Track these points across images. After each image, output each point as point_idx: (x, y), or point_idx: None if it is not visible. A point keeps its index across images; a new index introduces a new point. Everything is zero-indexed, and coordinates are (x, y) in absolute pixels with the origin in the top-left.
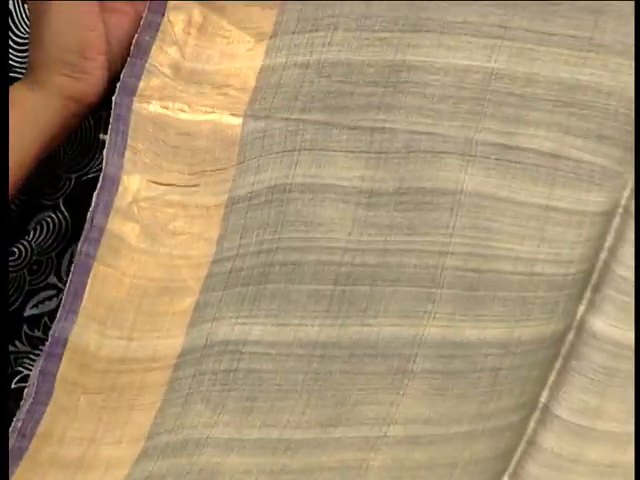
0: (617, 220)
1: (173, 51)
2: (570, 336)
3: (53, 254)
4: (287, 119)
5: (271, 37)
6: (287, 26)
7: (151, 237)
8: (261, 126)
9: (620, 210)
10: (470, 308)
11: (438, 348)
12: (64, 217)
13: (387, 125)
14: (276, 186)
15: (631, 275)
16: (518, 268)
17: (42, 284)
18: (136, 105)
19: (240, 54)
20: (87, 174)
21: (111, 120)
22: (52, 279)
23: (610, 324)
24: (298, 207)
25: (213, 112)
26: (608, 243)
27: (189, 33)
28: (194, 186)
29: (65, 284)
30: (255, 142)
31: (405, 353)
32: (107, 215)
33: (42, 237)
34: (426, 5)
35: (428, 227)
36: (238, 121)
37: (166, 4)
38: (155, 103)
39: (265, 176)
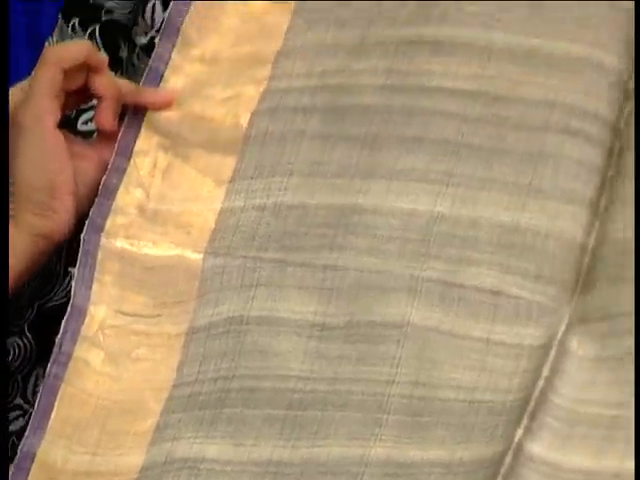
0: (553, 352)
1: (139, 192)
2: (508, 458)
3: (19, 377)
4: (245, 257)
5: (230, 182)
6: (245, 172)
7: (115, 362)
8: (220, 263)
9: (556, 343)
10: (414, 432)
11: (384, 467)
12: (29, 342)
13: (339, 263)
14: (234, 318)
15: (566, 403)
16: (460, 396)
17: (9, 406)
18: (103, 241)
19: (202, 197)
20: (50, 301)
21: (79, 255)
22: (18, 401)
23: (546, 448)
24: (254, 338)
25: (176, 249)
26: (545, 373)
27: (154, 176)
28: (157, 316)
29: (31, 405)
30: (215, 277)
31: (353, 471)
32: (74, 342)
33: (9, 361)
34: (376, 153)
35: (376, 358)
36: (199, 257)
37: (133, 149)
38: (121, 240)
39: (223, 308)
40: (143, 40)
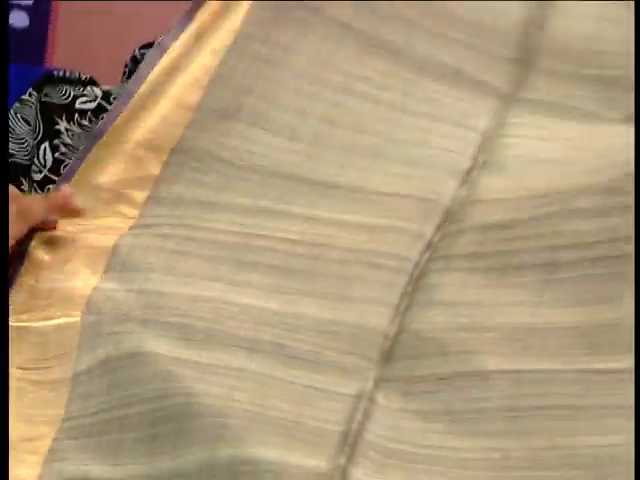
0: (364, 402)
1: (32, 280)
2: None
3: None
4: (115, 313)
5: (104, 272)
6: (115, 268)
7: (18, 401)
8: (95, 319)
9: (366, 395)
10: (256, 433)
11: (229, 466)
12: None
13: (193, 322)
14: (107, 358)
15: (378, 440)
16: (291, 417)
17: None
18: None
19: (80, 279)
20: None
21: None
22: None
23: (366, 474)
24: (125, 372)
25: (60, 317)
26: (358, 417)
27: (41, 268)
28: (47, 367)
29: None
30: (90, 329)
31: (207, 472)
32: None
33: None
34: (218, 267)
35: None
36: (78, 318)
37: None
38: (18, 315)
39: (99, 352)
40: (38, 177)
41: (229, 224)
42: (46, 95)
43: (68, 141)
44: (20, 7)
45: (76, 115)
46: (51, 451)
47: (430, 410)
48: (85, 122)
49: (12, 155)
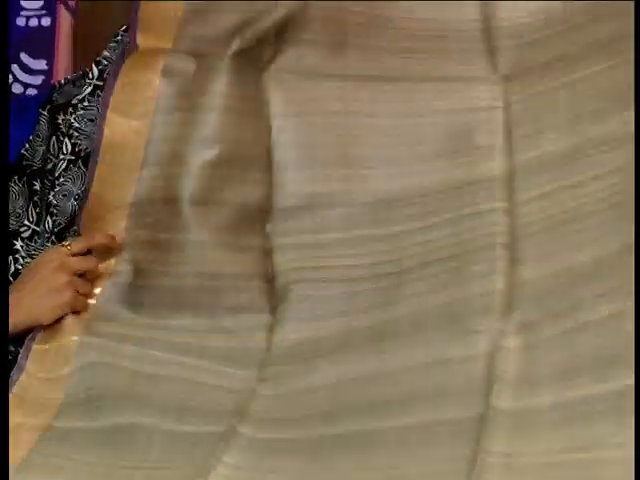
0: (250, 393)
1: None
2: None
3: None
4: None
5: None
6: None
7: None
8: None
9: (252, 390)
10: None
11: None
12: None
13: (163, 373)
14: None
15: (257, 414)
16: (186, 427)
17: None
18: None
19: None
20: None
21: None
22: None
23: (248, 429)
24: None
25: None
26: (246, 398)
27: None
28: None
29: None
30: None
31: None
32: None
33: None
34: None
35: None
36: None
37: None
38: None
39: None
40: (49, 166)
41: (176, 265)
42: (55, 101)
43: (63, 130)
44: (31, 86)
45: (70, 108)
46: (38, 441)
47: (284, 394)
48: (71, 110)
49: (31, 166)
